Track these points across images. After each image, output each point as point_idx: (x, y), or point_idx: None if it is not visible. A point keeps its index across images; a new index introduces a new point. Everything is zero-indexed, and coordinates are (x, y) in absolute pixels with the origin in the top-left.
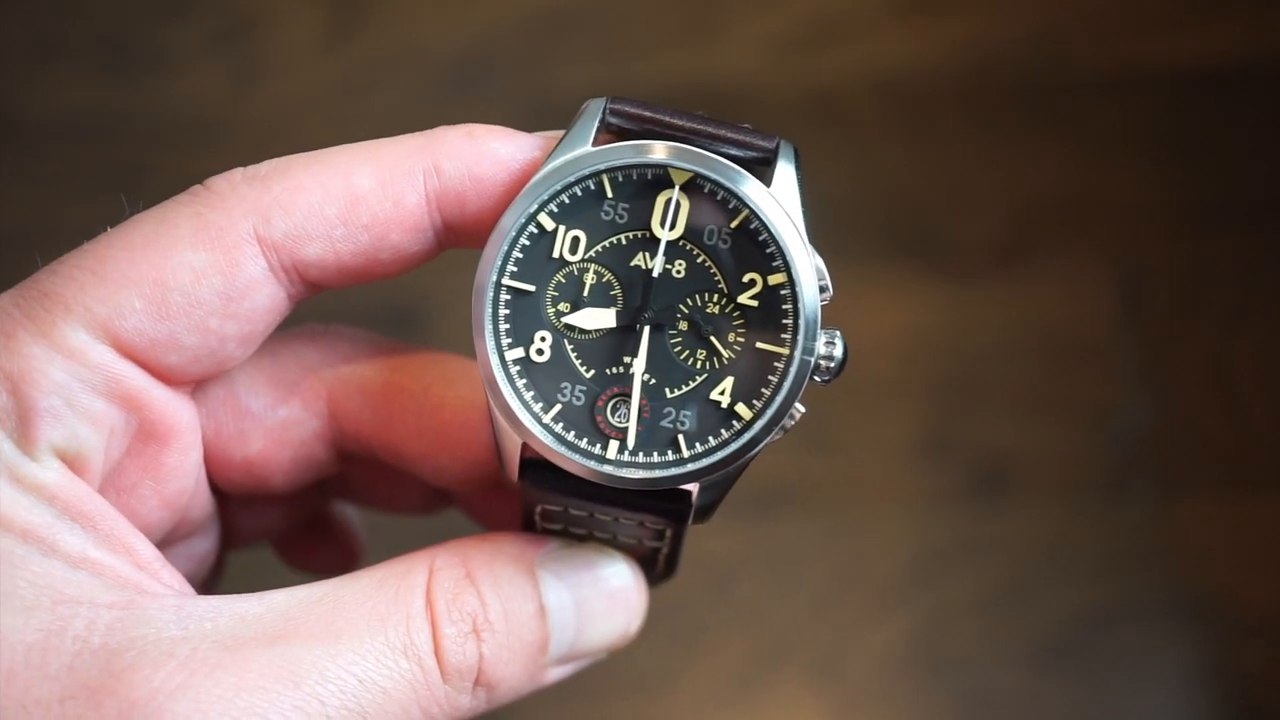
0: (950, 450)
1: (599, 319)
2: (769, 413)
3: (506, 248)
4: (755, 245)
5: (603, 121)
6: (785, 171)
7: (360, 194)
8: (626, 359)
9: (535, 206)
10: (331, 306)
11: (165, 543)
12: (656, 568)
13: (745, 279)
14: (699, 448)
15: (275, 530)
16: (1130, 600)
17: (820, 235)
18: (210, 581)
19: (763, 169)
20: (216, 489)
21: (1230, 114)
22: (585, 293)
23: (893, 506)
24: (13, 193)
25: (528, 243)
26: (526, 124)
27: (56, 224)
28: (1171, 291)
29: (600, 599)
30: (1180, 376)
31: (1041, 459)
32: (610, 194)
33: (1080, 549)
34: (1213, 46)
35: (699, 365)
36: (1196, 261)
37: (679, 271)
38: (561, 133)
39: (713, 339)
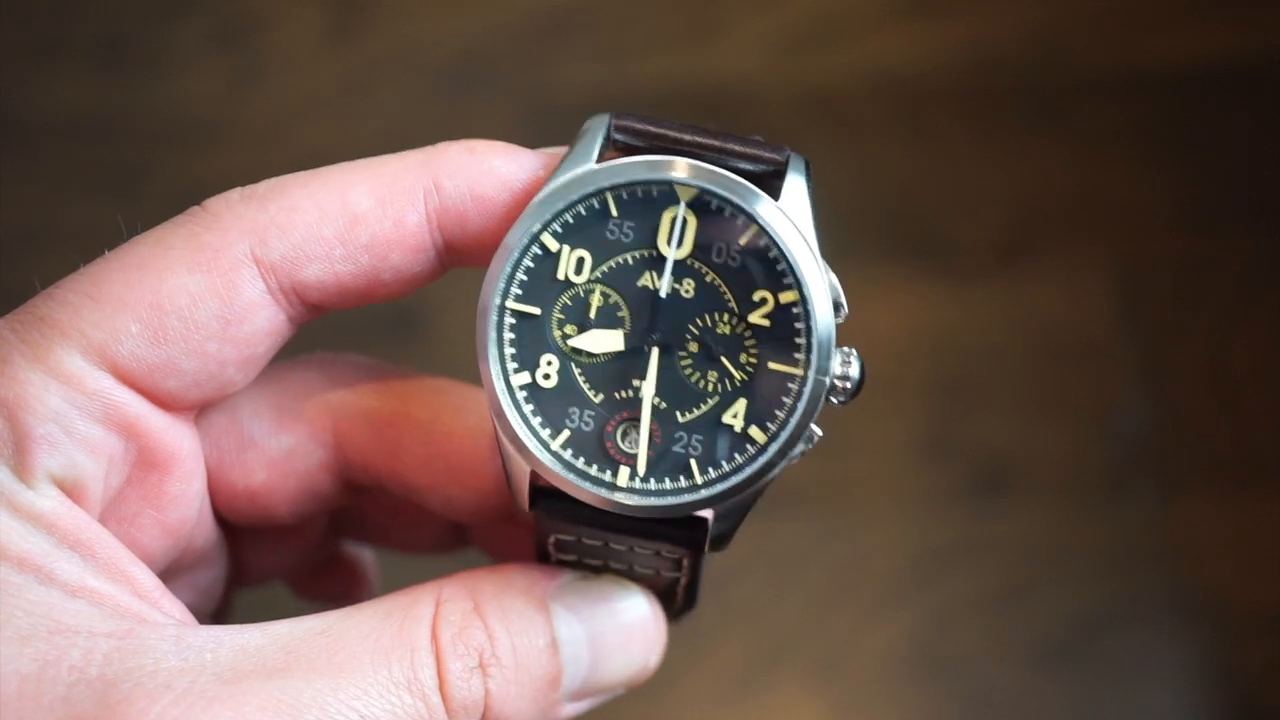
0: (950, 450)
1: (606, 341)
2: (784, 435)
3: (510, 270)
4: (766, 262)
5: (607, 137)
6: (795, 185)
7: (359, 213)
8: (635, 382)
9: (538, 226)
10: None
11: (169, 573)
12: (676, 600)
13: (756, 297)
14: (712, 473)
15: (287, 567)
16: (1130, 600)
17: (821, 235)
18: (218, 617)
19: (772, 182)
20: (222, 520)
21: (1230, 114)
22: (592, 314)
23: (893, 506)
24: (13, 193)
25: (532, 264)
26: (526, 124)
27: (56, 224)
28: (1171, 291)
29: (616, 632)
30: (1180, 376)
31: (1041, 459)
32: (615, 212)
33: (1080, 549)
34: (1213, 46)
35: (710, 388)
36: (1196, 261)
37: (688, 291)
38: (565, 149)
39: (724, 360)
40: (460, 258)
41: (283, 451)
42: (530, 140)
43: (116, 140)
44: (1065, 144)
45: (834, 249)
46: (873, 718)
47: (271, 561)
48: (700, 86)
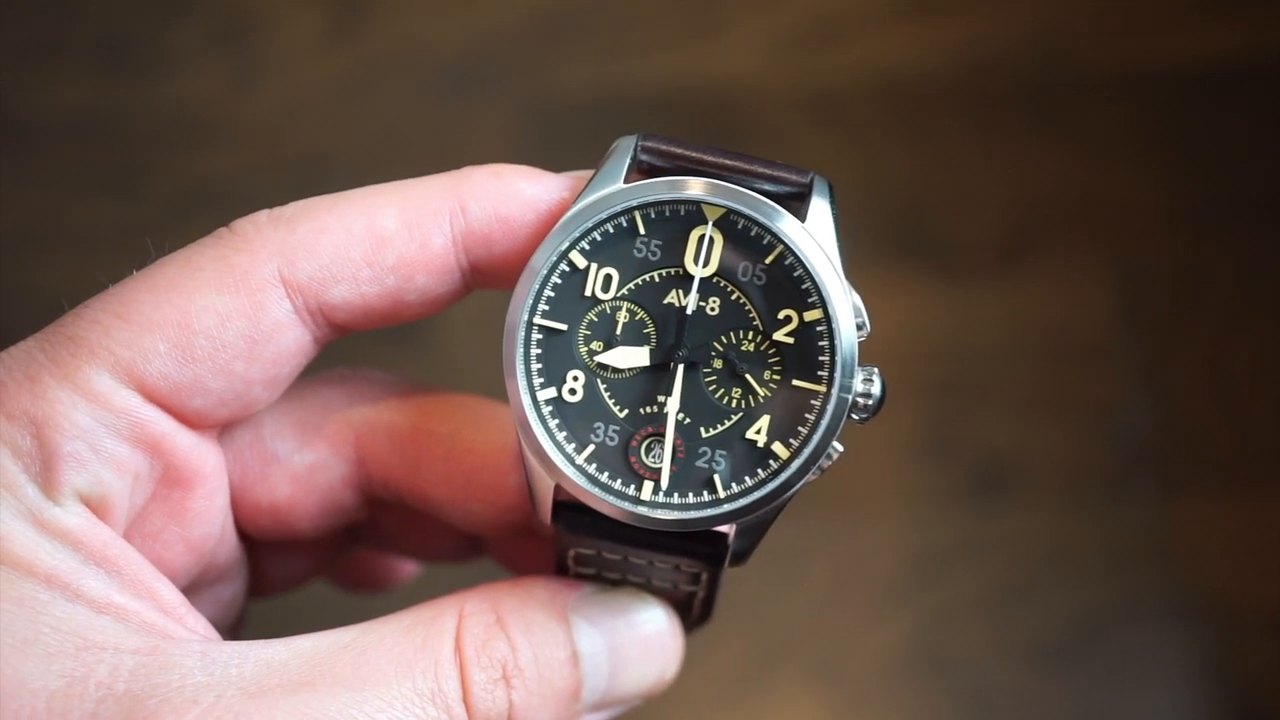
0: (950, 450)
1: (632, 358)
2: (806, 452)
3: (538, 286)
4: (790, 281)
5: (634, 159)
6: (820, 206)
7: (386, 235)
8: (660, 398)
9: (567, 244)
10: None
11: (191, 588)
12: (692, 613)
13: (781, 315)
14: (735, 488)
15: (305, 579)
16: (1130, 600)
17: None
18: (237, 628)
19: (797, 204)
20: (244, 534)
21: (1230, 114)
22: (618, 331)
23: (893, 506)
24: (13, 193)
25: (559, 281)
26: (526, 124)
27: (56, 224)
28: (1171, 291)
29: (635, 644)
30: (1180, 376)
31: (1041, 459)
32: (643, 231)
33: (1080, 549)
34: (1213, 46)
35: (734, 404)
36: (1196, 261)
37: (713, 309)
38: (590, 172)
39: (748, 377)
40: (485, 279)
41: (305, 467)
42: (530, 140)
43: (116, 140)
44: (1065, 144)
45: None
46: (873, 718)
47: (289, 574)
48: (700, 86)
